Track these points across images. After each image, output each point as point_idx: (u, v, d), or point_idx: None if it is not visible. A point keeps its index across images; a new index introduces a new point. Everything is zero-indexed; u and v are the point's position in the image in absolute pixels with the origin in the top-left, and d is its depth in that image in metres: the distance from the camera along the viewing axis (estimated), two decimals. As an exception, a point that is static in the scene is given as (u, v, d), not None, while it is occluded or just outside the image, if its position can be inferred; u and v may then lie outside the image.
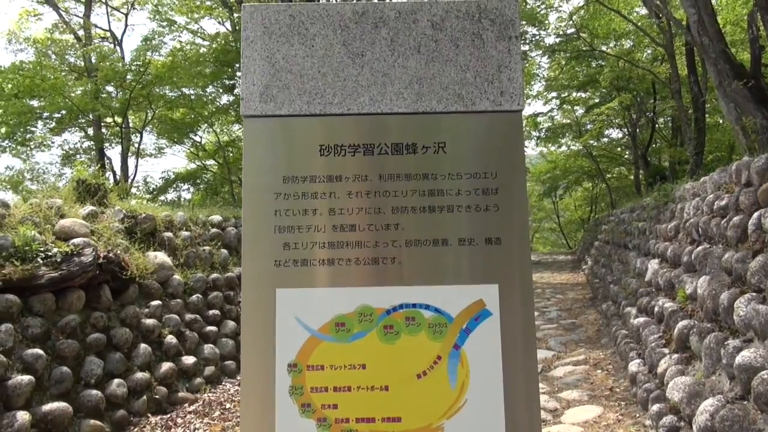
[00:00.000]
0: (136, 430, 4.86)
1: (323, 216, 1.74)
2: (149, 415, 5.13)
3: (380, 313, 1.71)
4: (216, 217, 7.89)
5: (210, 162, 19.88)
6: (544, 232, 49.54)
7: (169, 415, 5.19)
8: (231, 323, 6.90)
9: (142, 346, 5.48)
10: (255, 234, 1.75)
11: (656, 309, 5.67)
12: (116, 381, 4.99)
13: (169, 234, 6.75)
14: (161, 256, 6.35)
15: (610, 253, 12.02)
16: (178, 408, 5.38)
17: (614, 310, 7.96)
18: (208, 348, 6.31)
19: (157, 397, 5.31)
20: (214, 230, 7.59)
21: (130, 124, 15.18)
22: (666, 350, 4.83)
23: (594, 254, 16.46)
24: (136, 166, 15.35)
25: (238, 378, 6.39)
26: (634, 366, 5.28)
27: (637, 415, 4.57)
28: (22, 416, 4.12)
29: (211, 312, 6.71)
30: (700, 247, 5.11)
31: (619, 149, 27.09)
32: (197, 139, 18.55)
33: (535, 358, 1.73)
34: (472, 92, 1.82)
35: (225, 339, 6.66)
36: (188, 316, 6.32)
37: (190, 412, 5.28)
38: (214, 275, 7.07)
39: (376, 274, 1.72)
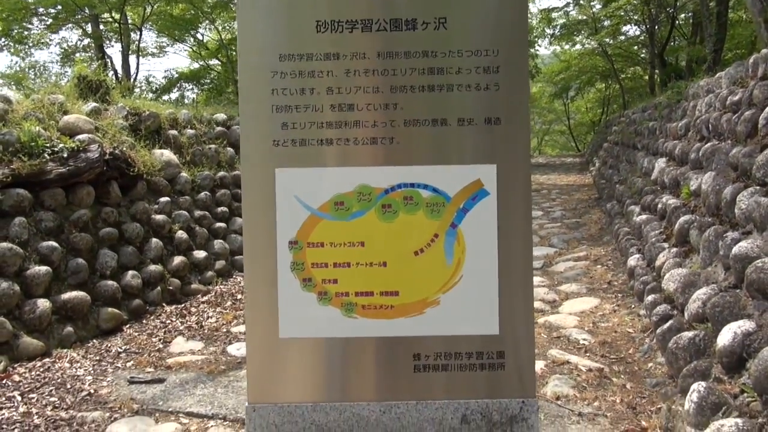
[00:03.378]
0: (152, 317, 5.10)
1: (321, 95, 1.71)
2: (164, 304, 5.36)
3: (379, 192, 1.73)
4: (221, 116, 7.82)
5: (213, 62, 19.43)
6: (554, 135, 48.88)
7: (183, 305, 5.42)
8: (239, 220, 7.02)
9: (154, 240, 5.63)
10: (252, 114, 1.74)
11: (659, 206, 5.70)
12: (130, 273, 5.18)
13: (173, 132, 6.73)
14: (167, 154, 6.36)
15: (619, 153, 11.93)
16: (192, 299, 5.62)
17: (618, 209, 8.02)
18: (218, 243, 6.47)
19: (170, 288, 5.53)
20: (219, 129, 7.54)
21: (129, 21, 14.67)
22: (666, 245, 4.90)
23: (602, 156, 16.32)
24: (138, 65, 14.94)
25: (248, 272, 6.62)
26: (633, 260, 5.39)
27: (633, 306, 4.73)
28: (43, 303, 4.31)
29: (219, 209, 6.82)
30: (708, 144, 5.05)
31: (635, 48, 26.05)
32: (199, 37, 18.02)
33: (530, 237, 1.76)
34: (476, -37, 1.73)
35: (234, 235, 6.81)
36: (197, 213, 6.43)
37: (203, 302, 5.51)
38: (221, 173, 7.11)
39: (375, 153, 1.73)
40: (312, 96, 1.73)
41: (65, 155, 4.95)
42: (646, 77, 29.09)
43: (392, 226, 1.74)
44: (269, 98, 1.73)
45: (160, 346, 4.49)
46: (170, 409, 3.45)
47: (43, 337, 4.27)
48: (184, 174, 6.49)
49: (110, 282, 4.94)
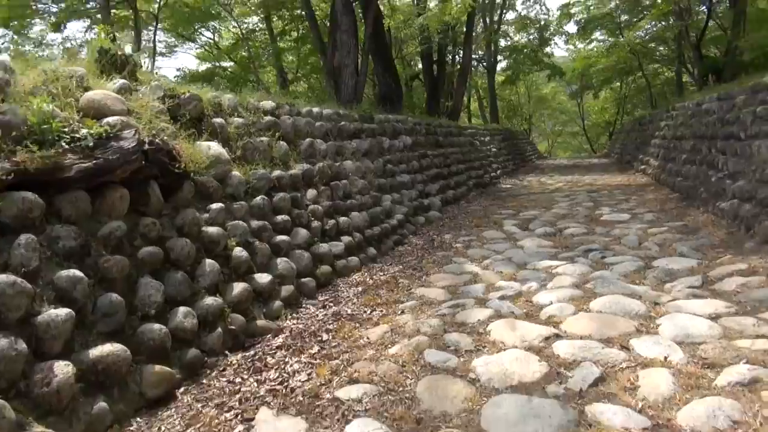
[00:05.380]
0: (214, 374, 3.59)
1: None
2: (227, 352, 3.85)
3: None
4: (268, 103, 6.34)
5: (225, 64, 18.16)
6: (566, 137, 47.63)
7: (252, 352, 3.90)
8: (302, 231, 5.50)
9: (208, 261, 4.12)
10: None
11: None
12: (182, 310, 3.66)
13: (219, 120, 5.23)
14: (215, 147, 4.86)
15: (698, 148, 10.41)
16: (260, 341, 4.09)
17: (754, 209, 6.53)
18: (282, 262, 4.94)
19: (232, 327, 4.01)
20: (268, 118, 6.06)
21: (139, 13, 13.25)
22: None
23: (656, 153, 14.90)
24: (153, 61, 13.41)
25: (320, 299, 5.08)
26: None
27: None
28: (63, 368, 2.79)
29: (279, 218, 5.30)
30: None
31: (652, 44, 24.68)
32: (209, 35, 16.67)
33: None
34: None
35: (299, 251, 5.28)
36: (254, 223, 4.92)
37: (277, 347, 3.99)
38: (277, 172, 5.61)
39: None
40: None
41: (90, 144, 3.45)
42: (667, 74, 27.83)
43: None
44: None
45: (241, 428, 2.96)
46: None
47: (63, 420, 2.75)
48: (236, 173, 4.99)
49: (156, 325, 3.42)
